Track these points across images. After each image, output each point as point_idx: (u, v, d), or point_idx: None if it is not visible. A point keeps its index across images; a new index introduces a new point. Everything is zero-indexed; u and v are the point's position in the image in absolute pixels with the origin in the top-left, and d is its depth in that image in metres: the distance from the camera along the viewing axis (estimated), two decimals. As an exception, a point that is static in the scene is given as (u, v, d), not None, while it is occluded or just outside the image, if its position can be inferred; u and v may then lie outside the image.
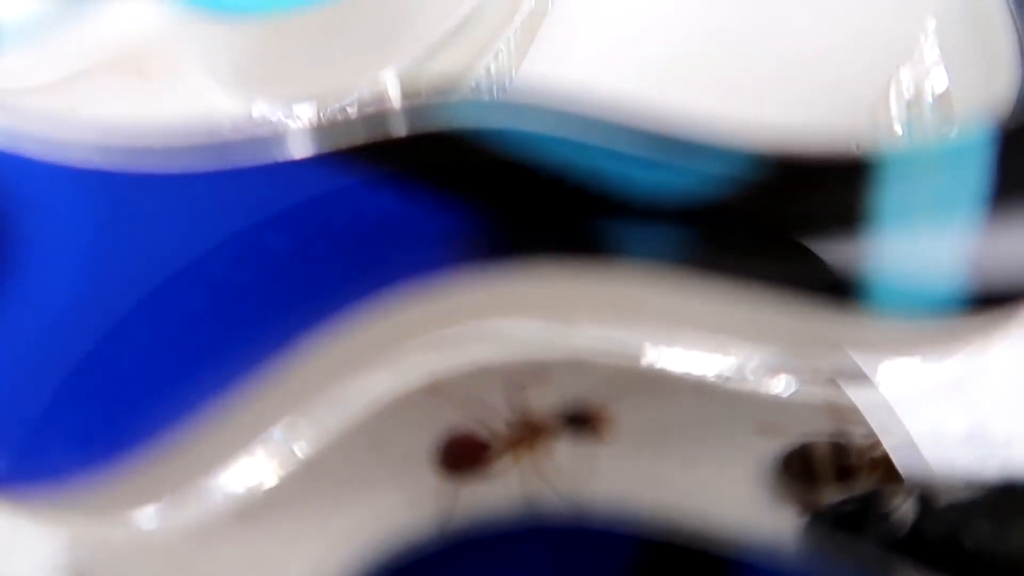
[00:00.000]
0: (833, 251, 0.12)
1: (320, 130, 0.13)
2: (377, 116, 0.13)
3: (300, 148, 0.13)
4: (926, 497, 0.14)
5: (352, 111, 0.14)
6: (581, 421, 0.15)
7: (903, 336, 0.13)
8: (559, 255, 0.13)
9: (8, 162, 0.12)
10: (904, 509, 0.14)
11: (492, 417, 0.15)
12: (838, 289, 0.12)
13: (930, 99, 0.17)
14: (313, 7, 0.15)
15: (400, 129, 0.13)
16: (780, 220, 0.12)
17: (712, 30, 0.19)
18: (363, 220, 0.12)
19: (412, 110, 0.13)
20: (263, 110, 0.16)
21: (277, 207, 0.12)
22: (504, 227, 0.12)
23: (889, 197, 0.12)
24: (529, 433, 0.15)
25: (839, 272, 0.12)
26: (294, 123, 0.14)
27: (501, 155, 0.12)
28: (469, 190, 0.12)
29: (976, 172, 0.12)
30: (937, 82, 0.17)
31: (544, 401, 0.15)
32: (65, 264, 0.12)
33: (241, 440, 0.14)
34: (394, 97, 0.17)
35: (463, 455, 0.15)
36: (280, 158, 0.13)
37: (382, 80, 0.16)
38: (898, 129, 0.18)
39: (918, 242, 0.12)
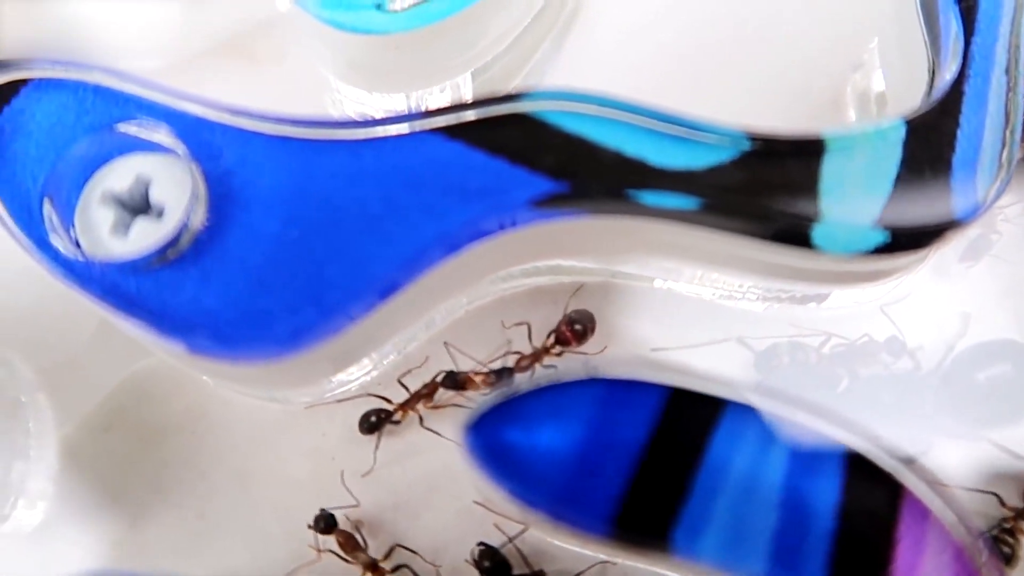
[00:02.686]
0: (793, 206, 0.17)
1: (426, 113, 0.18)
2: (465, 103, 0.18)
3: (417, 125, 0.18)
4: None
5: (444, 101, 0.19)
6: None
7: (845, 269, 0.18)
8: (604, 209, 0.18)
9: (217, 132, 0.17)
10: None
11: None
12: (796, 236, 0.17)
13: (873, 96, 0.23)
14: (409, 29, 0.20)
15: (490, 112, 0.18)
16: (756, 184, 0.17)
17: (704, 41, 0.24)
18: (465, 178, 0.17)
19: (491, 100, 0.18)
20: (374, 100, 0.21)
21: (405, 166, 0.17)
22: (567, 188, 0.17)
23: (831, 166, 0.17)
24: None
25: (797, 222, 0.17)
26: (410, 107, 0.19)
27: (560, 133, 0.17)
28: (539, 160, 0.17)
29: (893, 149, 0.18)
30: (877, 83, 0.22)
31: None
32: (267, 203, 0.17)
33: (375, 340, 0.20)
34: (470, 93, 0.22)
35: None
36: (402, 132, 0.18)
37: (460, 80, 0.21)
38: (851, 117, 0.23)
39: (852, 199, 0.17)
